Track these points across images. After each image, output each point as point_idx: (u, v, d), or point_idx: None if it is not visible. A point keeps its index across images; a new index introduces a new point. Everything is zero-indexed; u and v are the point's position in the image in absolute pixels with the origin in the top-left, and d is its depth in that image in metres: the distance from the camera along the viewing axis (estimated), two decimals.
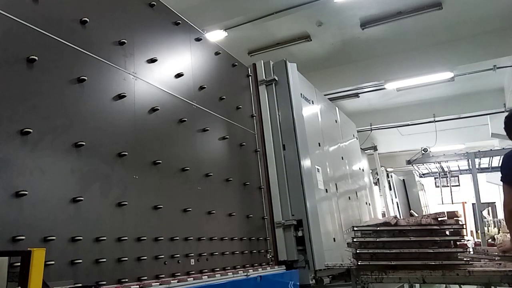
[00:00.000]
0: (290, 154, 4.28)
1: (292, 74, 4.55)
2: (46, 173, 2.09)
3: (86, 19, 2.50)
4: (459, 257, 3.49)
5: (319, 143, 5.02)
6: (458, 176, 15.94)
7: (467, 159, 10.43)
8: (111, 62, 2.66)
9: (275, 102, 4.47)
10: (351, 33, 7.84)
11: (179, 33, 3.46)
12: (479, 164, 11.87)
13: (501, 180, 3.08)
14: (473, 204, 14.17)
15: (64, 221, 2.12)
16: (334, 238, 4.61)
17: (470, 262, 3.46)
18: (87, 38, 2.51)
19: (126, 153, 2.57)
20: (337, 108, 6.47)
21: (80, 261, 2.13)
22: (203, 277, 2.82)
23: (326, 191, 4.84)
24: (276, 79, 4.51)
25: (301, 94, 4.69)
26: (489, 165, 12.95)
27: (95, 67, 2.52)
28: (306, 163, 4.31)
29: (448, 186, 14.73)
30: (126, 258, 2.40)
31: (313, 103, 5.18)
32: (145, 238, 2.58)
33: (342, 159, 5.93)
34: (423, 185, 14.73)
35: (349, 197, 5.79)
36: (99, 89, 2.53)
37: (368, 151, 10.83)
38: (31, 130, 2.03)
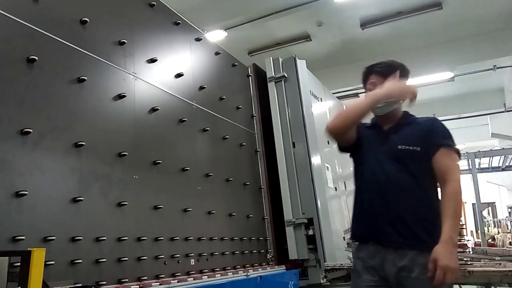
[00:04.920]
0: (300, 152, 4.26)
1: (301, 71, 4.53)
2: (46, 173, 2.09)
3: (86, 19, 2.50)
4: (459, 257, 3.48)
5: (328, 141, 5.01)
6: None
7: (467, 159, 10.42)
8: (111, 62, 2.66)
9: (285, 99, 4.44)
10: (351, 33, 7.83)
11: (179, 33, 3.46)
12: (479, 164, 11.85)
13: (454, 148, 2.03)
14: (473, 204, 14.16)
15: (64, 221, 2.12)
16: (344, 237, 4.60)
17: (470, 262, 3.46)
18: (87, 38, 2.51)
19: (126, 153, 2.57)
20: (344, 106, 6.47)
21: (80, 261, 2.13)
22: (203, 277, 2.82)
23: (336, 189, 4.82)
24: (286, 76, 4.49)
25: (310, 91, 4.67)
26: (489, 165, 12.94)
27: (95, 67, 2.52)
28: (316, 161, 4.29)
29: None
30: (126, 258, 2.40)
31: (321, 100, 5.17)
32: (145, 238, 2.58)
33: (350, 157, 5.91)
34: None
35: None
36: (99, 89, 2.53)
37: None
38: (31, 130, 2.03)
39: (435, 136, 1.99)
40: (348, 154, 2.29)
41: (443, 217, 1.84)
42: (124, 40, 2.77)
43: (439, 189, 1.99)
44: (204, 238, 3.15)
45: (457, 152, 1.99)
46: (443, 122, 2.08)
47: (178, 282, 2.59)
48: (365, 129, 2.22)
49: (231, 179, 3.68)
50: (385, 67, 2.13)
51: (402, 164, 1.98)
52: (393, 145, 2.03)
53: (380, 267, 1.89)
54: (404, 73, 2.13)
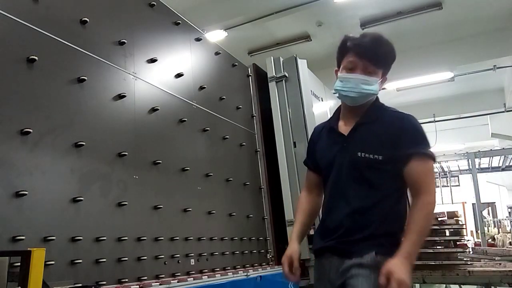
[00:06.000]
0: (301, 152, 4.24)
1: (302, 71, 4.53)
2: (46, 173, 2.09)
3: (86, 19, 2.50)
4: (459, 257, 3.49)
5: None
6: (458, 176, 15.97)
7: (467, 159, 10.44)
8: (111, 62, 2.66)
9: (285, 99, 4.44)
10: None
11: (179, 33, 3.46)
12: (479, 164, 11.88)
13: (427, 155, 1.73)
14: (473, 204, 14.18)
15: (64, 221, 2.12)
16: None
17: (470, 262, 3.47)
18: (87, 38, 2.51)
19: (126, 153, 2.57)
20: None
21: (80, 261, 2.13)
22: (203, 277, 2.82)
23: None
24: (287, 75, 4.48)
25: (311, 91, 4.67)
26: (489, 165, 12.96)
27: (95, 67, 2.53)
28: None
29: (448, 186, 14.74)
30: (126, 258, 2.41)
31: (322, 100, 5.17)
32: (145, 238, 2.58)
33: None
34: None
35: None
36: (99, 89, 2.53)
37: None
38: (31, 130, 2.03)
39: (403, 143, 1.70)
40: None
41: (408, 230, 1.63)
42: (124, 40, 2.77)
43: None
44: (204, 238, 3.15)
45: (432, 157, 1.72)
46: (418, 121, 1.78)
47: (178, 282, 2.59)
48: (323, 135, 1.96)
49: (231, 179, 3.68)
50: (371, 48, 1.77)
51: (359, 173, 1.74)
52: (352, 151, 1.76)
53: (328, 274, 1.76)
54: (390, 63, 1.86)
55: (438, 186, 14.92)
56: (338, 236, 1.74)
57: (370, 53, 1.76)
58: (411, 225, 1.63)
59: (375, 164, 1.71)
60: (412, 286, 5.60)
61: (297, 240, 1.94)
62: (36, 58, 2.13)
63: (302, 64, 4.58)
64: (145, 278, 2.50)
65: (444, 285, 5.77)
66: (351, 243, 1.69)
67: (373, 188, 1.73)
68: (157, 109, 2.92)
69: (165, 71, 3.17)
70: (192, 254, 2.99)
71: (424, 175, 1.69)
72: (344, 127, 1.85)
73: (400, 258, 1.57)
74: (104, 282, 2.23)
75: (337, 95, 1.85)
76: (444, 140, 11.77)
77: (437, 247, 3.50)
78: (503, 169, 13.27)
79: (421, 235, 1.63)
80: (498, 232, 13.43)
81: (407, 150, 1.69)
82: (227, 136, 3.78)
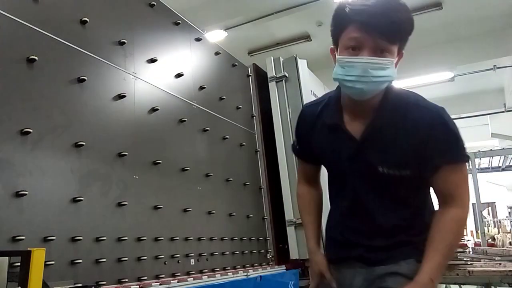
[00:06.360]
0: None
1: (302, 71, 4.53)
2: (46, 173, 2.09)
3: (86, 19, 2.50)
4: (459, 257, 3.49)
5: None
6: None
7: None
8: (111, 62, 2.66)
9: (285, 99, 4.44)
10: None
11: (179, 33, 3.47)
12: (479, 164, 11.86)
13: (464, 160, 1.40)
14: (473, 204, 14.17)
15: (64, 221, 2.12)
16: None
17: (470, 262, 3.46)
18: (87, 38, 2.51)
19: (126, 153, 2.57)
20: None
21: (80, 261, 2.13)
22: (203, 277, 2.83)
23: None
24: (287, 75, 4.49)
25: (311, 91, 4.68)
26: (489, 165, 12.95)
27: (95, 67, 2.52)
28: None
29: None
30: (126, 258, 2.41)
31: None
32: (145, 238, 2.58)
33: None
34: None
35: None
36: (99, 89, 2.53)
37: None
38: (31, 130, 2.03)
39: (435, 151, 1.33)
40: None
41: (432, 247, 1.32)
42: (124, 40, 2.77)
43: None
44: (204, 238, 3.15)
45: (465, 160, 1.38)
46: (451, 118, 1.40)
47: (178, 282, 2.59)
48: (320, 128, 1.55)
49: (231, 179, 3.68)
50: (382, 15, 1.25)
51: (382, 189, 1.42)
52: (370, 165, 1.39)
53: (351, 281, 1.50)
54: (408, 33, 1.34)
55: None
56: (364, 245, 1.46)
57: (382, 23, 1.24)
58: (436, 242, 1.32)
59: (403, 180, 1.38)
60: None
61: (318, 249, 1.75)
62: (36, 58, 2.13)
63: (302, 64, 4.58)
64: (145, 278, 2.50)
65: (444, 285, 5.76)
66: (383, 250, 1.41)
67: (402, 204, 1.43)
68: (157, 109, 2.92)
69: (165, 71, 3.17)
70: (192, 254, 2.99)
71: (458, 183, 1.37)
72: (352, 125, 1.43)
73: (418, 285, 1.28)
74: (104, 282, 2.23)
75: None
76: None
77: None
78: (503, 169, 13.26)
79: (447, 257, 1.35)
80: (498, 232, 13.44)
81: (439, 160, 1.35)
82: (227, 136, 3.78)
